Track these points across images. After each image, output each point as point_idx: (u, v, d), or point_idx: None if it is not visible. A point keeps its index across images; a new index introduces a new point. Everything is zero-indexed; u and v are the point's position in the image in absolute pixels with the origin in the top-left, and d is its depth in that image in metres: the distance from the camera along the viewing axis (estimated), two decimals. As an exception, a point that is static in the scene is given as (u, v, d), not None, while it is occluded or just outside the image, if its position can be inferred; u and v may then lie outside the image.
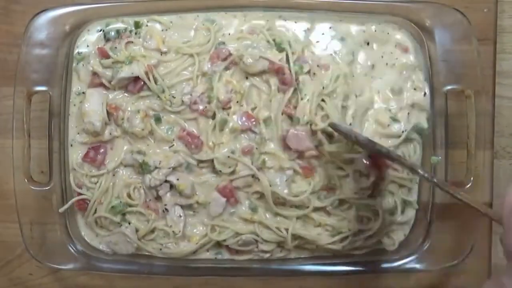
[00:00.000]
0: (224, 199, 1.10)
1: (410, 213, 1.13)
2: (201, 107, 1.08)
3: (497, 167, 1.17)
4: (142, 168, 1.09)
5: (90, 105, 1.08)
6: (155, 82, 1.08)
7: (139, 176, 1.11)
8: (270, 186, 1.07)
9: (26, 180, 1.08)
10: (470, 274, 1.18)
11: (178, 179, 1.09)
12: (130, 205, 1.11)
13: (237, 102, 1.09)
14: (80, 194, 1.11)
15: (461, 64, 1.08)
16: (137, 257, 1.13)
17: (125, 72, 1.07)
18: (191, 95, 1.08)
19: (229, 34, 1.11)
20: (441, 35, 1.08)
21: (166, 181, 1.09)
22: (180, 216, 1.11)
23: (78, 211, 1.13)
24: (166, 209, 1.11)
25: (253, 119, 1.08)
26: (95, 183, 1.11)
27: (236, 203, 1.11)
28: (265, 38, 1.09)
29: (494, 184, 1.16)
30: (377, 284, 1.19)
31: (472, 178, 1.07)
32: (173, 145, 1.10)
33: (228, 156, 1.08)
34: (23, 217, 1.08)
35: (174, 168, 1.09)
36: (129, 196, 1.11)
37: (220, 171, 1.09)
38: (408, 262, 1.11)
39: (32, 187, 1.08)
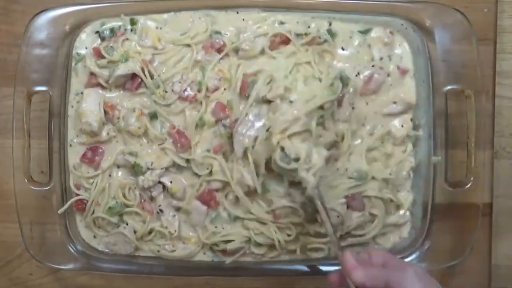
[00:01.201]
0: (205, 208, 1.09)
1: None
2: (191, 93, 1.07)
3: (497, 167, 1.17)
4: (135, 170, 1.09)
5: (87, 105, 1.08)
6: (151, 77, 1.08)
7: (133, 177, 1.11)
8: (239, 186, 1.07)
9: (26, 180, 1.08)
10: (470, 274, 1.18)
11: (171, 182, 1.08)
12: (127, 206, 1.11)
13: (225, 89, 1.08)
14: (78, 195, 1.11)
15: (461, 64, 1.08)
16: (137, 257, 1.13)
17: (122, 69, 1.07)
18: (180, 82, 1.08)
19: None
20: (441, 35, 1.08)
21: (159, 182, 1.09)
22: (174, 216, 1.10)
23: (77, 213, 1.13)
24: (160, 209, 1.10)
25: (225, 109, 1.07)
26: (92, 184, 1.11)
27: (216, 205, 1.10)
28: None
29: (494, 184, 1.16)
30: (377, 284, 1.19)
31: (472, 178, 1.07)
32: (163, 143, 1.09)
33: (206, 156, 1.08)
34: (23, 217, 1.08)
35: (166, 169, 1.09)
36: (124, 196, 1.11)
37: (197, 173, 1.08)
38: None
39: (32, 187, 1.08)
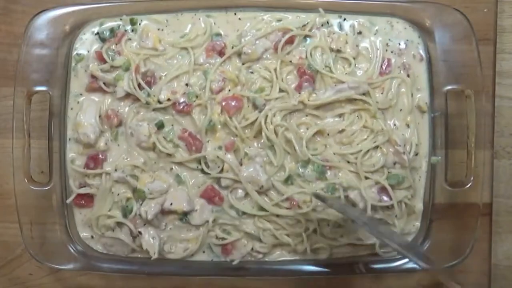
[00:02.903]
0: (210, 206, 1.09)
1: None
2: (185, 103, 1.08)
3: (497, 167, 1.17)
4: (137, 194, 1.09)
5: (86, 116, 1.09)
6: (139, 87, 1.07)
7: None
8: (250, 183, 1.07)
9: (26, 180, 1.08)
10: (470, 274, 1.18)
11: (171, 204, 1.08)
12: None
13: (229, 90, 1.09)
14: (81, 187, 1.11)
15: (461, 64, 1.08)
16: (137, 257, 1.13)
17: (120, 92, 1.08)
18: (187, 84, 1.09)
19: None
20: (441, 35, 1.08)
21: (161, 209, 1.08)
22: (154, 238, 1.09)
23: (76, 213, 1.13)
24: (139, 232, 1.10)
25: (238, 100, 1.08)
26: (95, 177, 1.11)
27: (221, 202, 1.10)
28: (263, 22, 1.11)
29: (494, 184, 1.16)
30: (377, 284, 1.19)
31: (472, 178, 1.07)
32: (174, 152, 1.09)
33: (218, 156, 1.08)
34: (23, 217, 1.08)
35: (165, 192, 1.09)
36: (127, 199, 1.11)
37: (209, 173, 1.09)
38: (408, 262, 1.10)
39: (32, 187, 1.08)
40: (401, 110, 1.10)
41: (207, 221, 1.10)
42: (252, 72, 1.10)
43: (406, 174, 1.08)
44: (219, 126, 1.09)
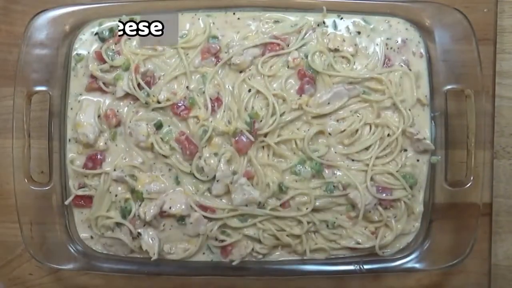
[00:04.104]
0: (205, 220, 1.09)
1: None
2: (184, 108, 1.08)
3: (497, 167, 1.17)
4: (136, 196, 1.09)
5: (85, 116, 1.09)
6: (139, 87, 1.07)
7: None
8: (247, 206, 1.08)
9: (26, 180, 1.08)
10: (470, 274, 1.18)
11: (170, 207, 1.07)
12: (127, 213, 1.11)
13: (223, 103, 1.09)
14: (80, 187, 1.11)
15: (461, 64, 1.08)
16: (137, 257, 1.13)
17: (119, 91, 1.08)
18: (187, 87, 1.09)
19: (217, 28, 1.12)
20: (441, 35, 1.08)
21: (160, 211, 1.08)
22: (153, 239, 1.09)
23: (76, 213, 1.13)
24: (139, 233, 1.09)
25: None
26: (94, 177, 1.10)
27: (213, 213, 1.10)
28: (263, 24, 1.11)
29: (494, 184, 1.16)
30: (377, 284, 1.19)
31: (472, 178, 1.07)
32: (170, 156, 1.09)
33: (212, 161, 1.08)
34: (23, 217, 1.08)
35: (163, 192, 1.09)
36: (126, 200, 1.11)
37: (199, 179, 1.09)
38: (408, 262, 1.11)
39: (32, 187, 1.08)
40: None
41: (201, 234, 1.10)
42: (249, 90, 1.09)
43: (415, 173, 1.09)
44: (214, 134, 1.09)
